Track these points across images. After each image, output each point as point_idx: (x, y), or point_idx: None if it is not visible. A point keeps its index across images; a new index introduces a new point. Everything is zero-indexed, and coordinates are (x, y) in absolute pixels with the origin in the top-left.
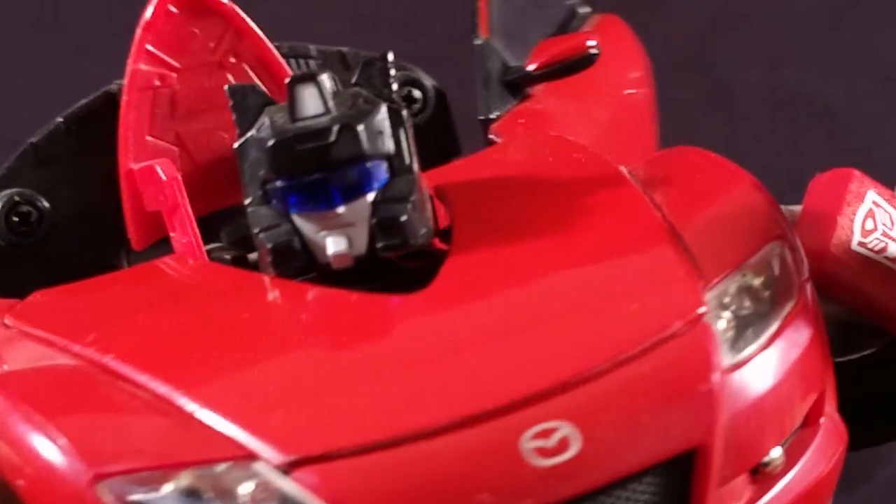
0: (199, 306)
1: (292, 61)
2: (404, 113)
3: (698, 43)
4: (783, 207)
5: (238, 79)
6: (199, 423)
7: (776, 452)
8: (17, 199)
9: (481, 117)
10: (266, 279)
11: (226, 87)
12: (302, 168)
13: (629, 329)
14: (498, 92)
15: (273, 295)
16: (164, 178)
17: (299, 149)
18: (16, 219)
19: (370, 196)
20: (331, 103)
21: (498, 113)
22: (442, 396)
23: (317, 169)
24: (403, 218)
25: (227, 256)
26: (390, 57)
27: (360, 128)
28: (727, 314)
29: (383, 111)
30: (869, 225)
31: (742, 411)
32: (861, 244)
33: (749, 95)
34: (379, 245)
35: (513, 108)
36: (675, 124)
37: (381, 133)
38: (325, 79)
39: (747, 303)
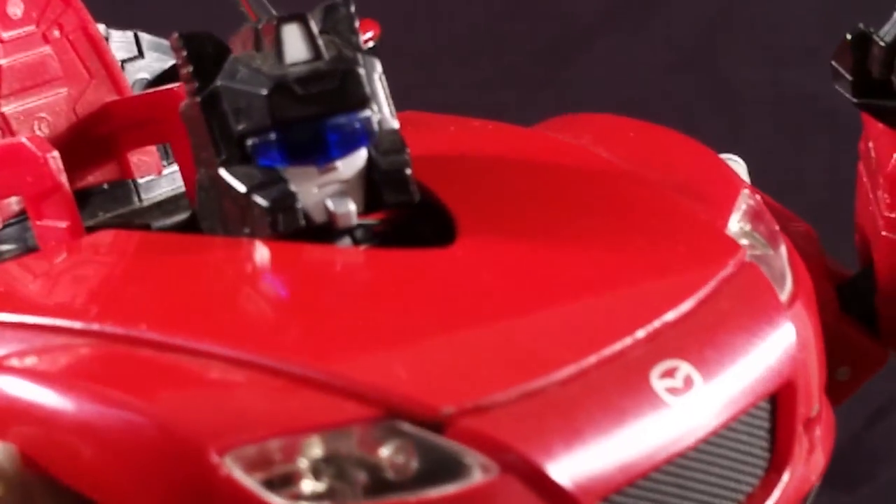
0: (206, 272)
1: None
2: (377, 62)
3: (700, 41)
4: None
5: (60, 55)
6: (316, 385)
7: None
8: None
9: None
10: (256, 243)
11: (176, 34)
12: (303, 115)
13: (691, 271)
14: None
15: (296, 256)
16: (38, 154)
17: (302, 93)
18: None
19: (363, 150)
20: (322, 48)
21: None
22: (568, 340)
23: (316, 117)
24: (408, 171)
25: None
26: (352, 2)
27: (362, 73)
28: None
29: (359, 60)
30: None
31: (802, 345)
32: None
33: (751, 94)
34: (388, 201)
35: None
36: (676, 123)
37: (368, 82)
38: (311, 23)
39: (750, 248)
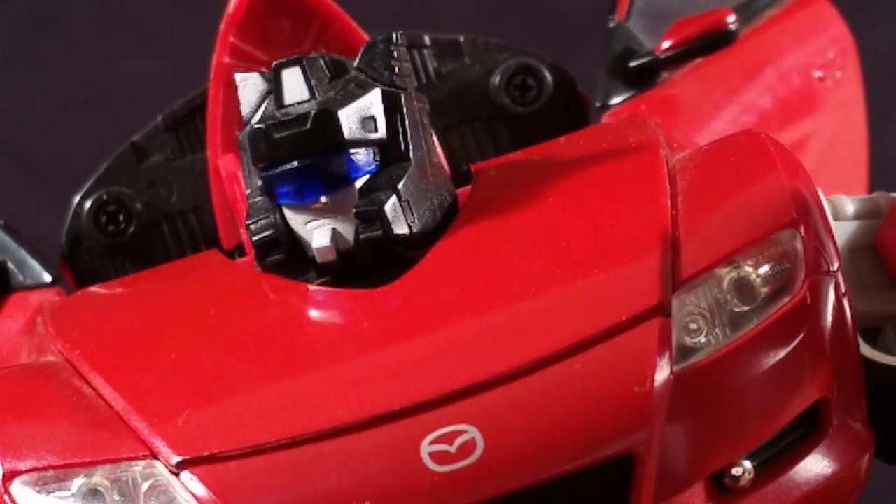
0: (168, 304)
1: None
2: (403, 96)
3: None
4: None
5: None
6: (117, 421)
7: (746, 464)
8: (105, 198)
9: (598, 104)
10: (261, 278)
11: (236, 74)
12: (280, 157)
13: (570, 325)
14: (623, 77)
15: (232, 288)
16: (223, 173)
17: (276, 137)
18: (104, 218)
19: (358, 185)
20: (317, 89)
21: (618, 100)
22: (342, 398)
23: (297, 157)
24: (386, 207)
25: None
26: (395, 38)
27: (342, 113)
28: (701, 307)
29: (375, 95)
30: None
31: (699, 413)
32: None
33: None
34: (361, 236)
35: (638, 95)
36: None
37: (371, 118)
38: (319, 64)
39: (731, 296)
